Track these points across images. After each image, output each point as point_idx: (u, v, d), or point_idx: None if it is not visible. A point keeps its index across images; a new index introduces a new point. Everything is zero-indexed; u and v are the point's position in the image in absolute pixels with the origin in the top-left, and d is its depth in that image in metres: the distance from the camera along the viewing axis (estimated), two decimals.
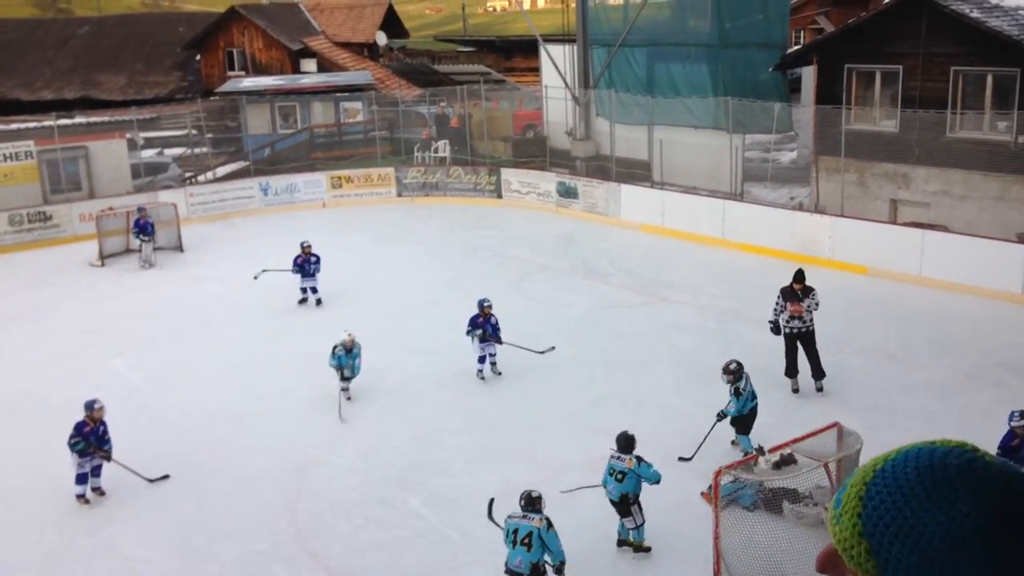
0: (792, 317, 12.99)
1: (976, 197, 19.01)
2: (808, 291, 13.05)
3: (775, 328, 13.27)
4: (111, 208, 22.40)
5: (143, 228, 21.08)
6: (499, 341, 14.05)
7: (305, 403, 13.57)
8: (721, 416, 11.40)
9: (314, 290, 17.98)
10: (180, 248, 22.23)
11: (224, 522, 10.64)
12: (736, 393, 11.28)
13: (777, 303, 13.16)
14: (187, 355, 15.68)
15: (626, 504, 9.54)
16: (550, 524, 8.47)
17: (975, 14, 18.69)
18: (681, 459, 11.29)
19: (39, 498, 11.28)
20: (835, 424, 9.70)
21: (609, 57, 25.72)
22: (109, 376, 14.96)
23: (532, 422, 12.75)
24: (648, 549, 9.71)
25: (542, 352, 14.26)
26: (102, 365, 15.44)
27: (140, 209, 21.45)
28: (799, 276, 13.19)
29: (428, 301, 17.92)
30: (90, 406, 11.11)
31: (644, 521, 9.65)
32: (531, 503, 8.50)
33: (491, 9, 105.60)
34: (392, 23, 43.59)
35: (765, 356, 13.79)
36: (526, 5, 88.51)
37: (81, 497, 11.10)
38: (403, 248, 22.09)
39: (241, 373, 14.77)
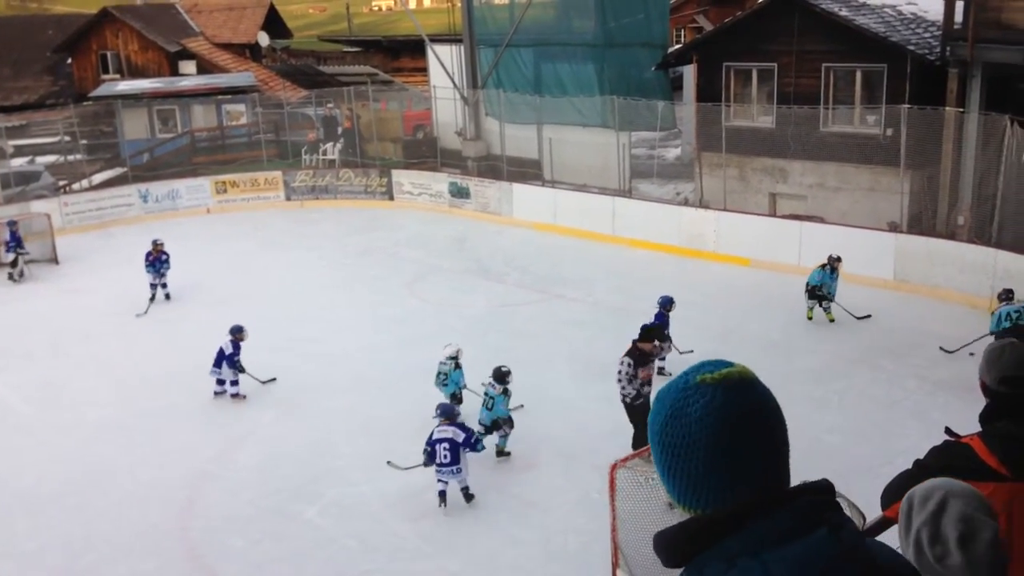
0: (644, 383, 10.76)
1: (849, 189, 19.86)
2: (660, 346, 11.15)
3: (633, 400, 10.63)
4: None
5: (19, 241, 20.13)
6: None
7: (193, 417, 13.15)
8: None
9: (164, 285, 17.98)
10: (55, 260, 21.25)
11: (110, 543, 10.21)
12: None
13: (626, 369, 10.67)
14: (66, 371, 15.00)
15: (497, 425, 11.42)
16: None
17: (844, 12, 19.53)
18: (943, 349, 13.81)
19: None
20: None
21: (496, 57, 25.82)
22: None
23: (430, 425, 12.65)
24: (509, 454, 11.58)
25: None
26: None
27: (11, 222, 20.39)
28: (655, 333, 11.14)
29: (321, 305, 17.64)
30: (240, 328, 13.52)
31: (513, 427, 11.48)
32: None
33: (376, 8, 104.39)
34: (274, 23, 42.69)
35: None
36: (412, 4, 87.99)
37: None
38: (293, 252, 21.67)
39: (123, 388, 14.20)
